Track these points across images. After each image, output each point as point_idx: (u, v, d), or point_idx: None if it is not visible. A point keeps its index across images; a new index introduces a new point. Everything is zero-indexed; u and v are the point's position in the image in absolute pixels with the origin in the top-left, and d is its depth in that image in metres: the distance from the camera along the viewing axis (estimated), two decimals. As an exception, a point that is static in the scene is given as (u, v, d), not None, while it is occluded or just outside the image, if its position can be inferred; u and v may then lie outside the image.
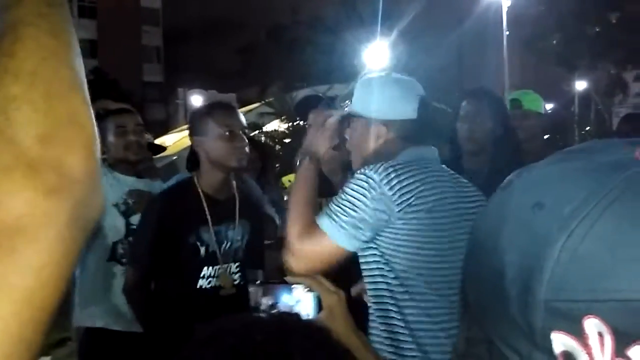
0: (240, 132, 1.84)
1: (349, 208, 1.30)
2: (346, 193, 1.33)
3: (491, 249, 0.38)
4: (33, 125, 0.38)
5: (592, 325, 0.33)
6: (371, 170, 1.32)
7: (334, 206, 1.32)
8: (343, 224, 1.29)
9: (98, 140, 0.41)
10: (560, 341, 0.34)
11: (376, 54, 10.16)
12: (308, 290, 0.89)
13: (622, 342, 0.32)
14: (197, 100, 29.18)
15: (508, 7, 15.42)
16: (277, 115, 8.84)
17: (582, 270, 0.33)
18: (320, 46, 16.45)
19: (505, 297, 0.37)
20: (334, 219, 1.30)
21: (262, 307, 0.90)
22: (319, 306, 0.87)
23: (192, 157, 1.90)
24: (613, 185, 0.34)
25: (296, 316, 0.68)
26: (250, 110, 9.61)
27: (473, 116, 2.26)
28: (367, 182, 1.30)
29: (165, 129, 16.86)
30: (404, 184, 1.30)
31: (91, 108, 0.41)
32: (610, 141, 0.40)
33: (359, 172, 1.36)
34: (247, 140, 1.87)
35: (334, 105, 2.44)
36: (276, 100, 9.45)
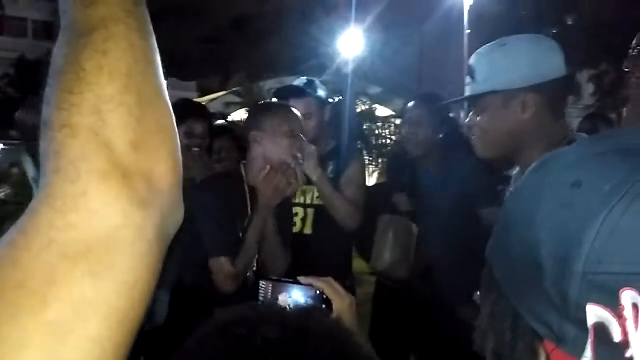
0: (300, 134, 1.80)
1: None
2: None
3: (525, 226, 0.40)
4: (128, 130, 0.36)
5: (628, 297, 0.34)
6: None
7: None
8: None
9: (180, 152, 0.40)
10: (594, 313, 0.35)
11: (347, 43, 10.17)
12: (318, 292, 0.88)
13: None
14: (157, 87, 28.39)
15: (470, 6, 15.70)
16: (243, 104, 8.76)
17: (622, 244, 0.35)
18: (287, 37, 16.36)
19: (540, 271, 0.38)
20: None
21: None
22: (328, 309, 0.87)
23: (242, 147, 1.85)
24: None
25: (321, 313, 0.67)
26: (214, 99, 9.49)
27: (416, 121, 2.33)
28: None
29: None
30: None
31: (174, 118, 0.40)
32: (637, 128, 0.42)
33: None
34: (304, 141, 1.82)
35: (315, 93, 2.41)
36: (244, 90, 9.36)
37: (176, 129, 0.40)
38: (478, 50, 1.29)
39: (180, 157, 0.39)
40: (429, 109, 2.33)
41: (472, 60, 1.29)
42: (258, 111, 1.91)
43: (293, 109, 1.90)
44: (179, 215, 0.40)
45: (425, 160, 2.34)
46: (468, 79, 1.29)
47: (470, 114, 1.32)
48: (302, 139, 1.81)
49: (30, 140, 2.07)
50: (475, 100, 1.30)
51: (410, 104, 2.43)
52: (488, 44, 1.28)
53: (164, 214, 0.37)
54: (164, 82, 0.40)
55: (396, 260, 2.36)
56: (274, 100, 2.34)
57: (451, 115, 2.70)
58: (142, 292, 0.35)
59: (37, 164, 2.08)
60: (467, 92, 1.31)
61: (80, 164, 0.34)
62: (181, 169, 0.39)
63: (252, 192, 1.80)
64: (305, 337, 0.54)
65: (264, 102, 2.12)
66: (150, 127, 0.37)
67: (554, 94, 1.23)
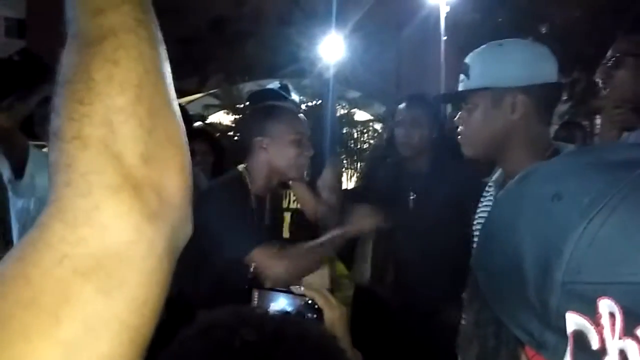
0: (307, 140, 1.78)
1: None
2: None
3: (508, 236, 0.41)
4: (139, 142, 0.35)
5: (605, 305, 0.35)
6: None
7: None
8: None
9: (190, 164, 0.39)
10: (573, 321, 0.36)
11: (327, 47, 10.27)
12: (310, 301, 0.88)
13: (631, 322, 0.34)
14: (133, 88, 28.00)
15: (446, 14, 15.90)
16: (222, 107, 8.71)
17: (600, 255, 0.36)
18: (266, 40, 16.33)
19: (522, 280, 0.39)
20: None
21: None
22: (319, 318, 0.87)
23: (242, 154, 1.80)
24: (627, 180, 0.37)
25: (298, 317, 0.67)
26: (192, 101, 9.41)
27: (410, 122, 2.31)
28: None
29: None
30: None
31: (184, 128, 0.39)
32: (615, 143, 0.44)
33: None
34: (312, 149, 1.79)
35: (289, 97, 2.41)
36: (222, 92, 9.30)
37: (186, 141, 0.39)
38: (475, 50, 1.30)
39: (191, 169, 0.39)
40: (423, 109, 2.32)
41: (468, 59, 1.31)
42: (263, 115, 1.82)
43: (299, 114, 1.86)
44: (188, 228, 0.39)
45: (416, 161, 2.32)
46: (462, 77, 1.31)
47: (460, 112, 1.33)
48: (309, 147, 1.77)
49: (4, 142, 2.04)
50: (466, 96, 1.31)
51: (402, 106, 2.39)
52: (486, 44, 1.30)
53: (174, 227, 0.37)
54: (173, 93, 0.39)
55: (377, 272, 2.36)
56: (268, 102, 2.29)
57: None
58: (152, 307, 0.35)
59: (12, 166, 2.05)
60: (460, 88, 1.33)
61: (91, 177, 0.34)
62: (191, 181, 0.39)
63: (257, 200, 1.75)
64: (280, 340, 0.55)
65: (267, 105, 2.01)
66: (160, 139, 0.37)
67: (543, 98, 1.26)
